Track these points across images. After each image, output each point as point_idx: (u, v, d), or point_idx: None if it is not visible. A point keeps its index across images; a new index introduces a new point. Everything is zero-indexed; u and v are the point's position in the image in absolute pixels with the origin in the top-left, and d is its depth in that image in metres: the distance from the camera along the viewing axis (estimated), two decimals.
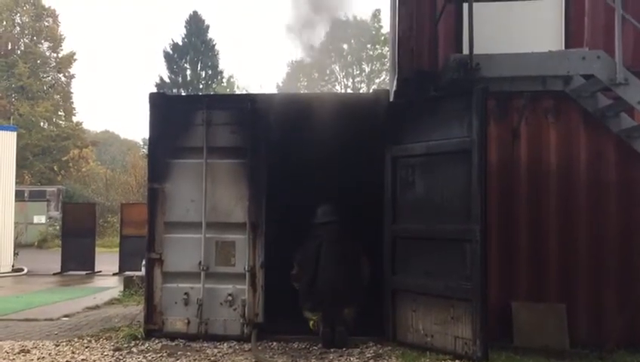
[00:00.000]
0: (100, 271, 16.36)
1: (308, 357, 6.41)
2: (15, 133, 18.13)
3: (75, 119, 42.11)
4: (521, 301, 7.08)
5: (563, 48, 7.38)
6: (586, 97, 7.08)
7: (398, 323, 6.96)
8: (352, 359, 6.30)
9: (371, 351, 6.60)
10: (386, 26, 41.76)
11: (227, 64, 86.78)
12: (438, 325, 6.51)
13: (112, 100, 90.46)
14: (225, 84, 43.39)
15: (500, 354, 6.27)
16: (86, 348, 6.84)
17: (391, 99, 7.74)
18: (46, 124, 39.79)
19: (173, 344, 6.98)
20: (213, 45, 44.17)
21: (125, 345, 6.89)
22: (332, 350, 6.65)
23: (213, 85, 41.80)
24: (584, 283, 7.12)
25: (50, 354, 6.56)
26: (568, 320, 6.93)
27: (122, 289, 11.73)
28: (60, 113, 41.34)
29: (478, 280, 6.13)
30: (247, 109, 7.33)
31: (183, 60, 43.02)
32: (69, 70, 42.00)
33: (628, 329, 6.91)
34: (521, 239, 7.23)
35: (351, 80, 51.36)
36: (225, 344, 6.92)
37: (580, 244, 7.17)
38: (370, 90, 37.07)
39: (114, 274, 15.67)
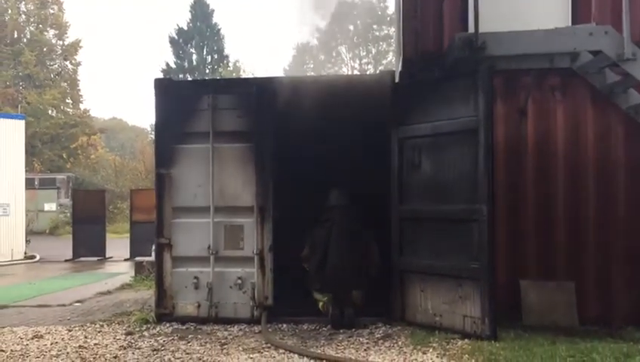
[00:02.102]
0: (112, 257, 16.51)
1: (317, 338, 6.46)
2: (23, 121, 18.22)
3: (82, 106, 42.21)
4: (529, 279, 7.09)
5: (570, 24, 7.29)
6: (594, 74, 7.03)
7: (406, 304, 6.99)
8: (361, 339, 6.34)
9: (380, 332, 6.65)
10: (391, 5, 41.45)
11: (233, 48, 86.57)
12: (446, 304, 6.54)
13: (120, 87, 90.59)
14: (231, 69, 43.28)
15: (509, 333, 6.29)
16: (98, 332, 6.93)
17: (397, 80, 7.69)
18: (54, 112, 39.85)
19: (184, 327, 7.05)
20: (219, 30, 44.01)
21: (137, 329, 6.98)
22: (341, 331, 6.70)
23: (220, 70, 41.68)
24: (593, 260, 7.11)
25: (63, 339, 6.65)
26: (577, 297, 6.94)
27: (133, 274, 11.85)
28: (67, 101, 41.37)
29: (486, 259, 6.14)
30: (253, 93, 7.32)
31: (189, 45, 42.90)
32: (75, 57, 41.98)
33: (637, 306, 6.91)
34: (529, 217, 7.21)
35: (358, 61, 51.16)
36: (235, 326, 7.00)
37: (589, 222, 7.15)
38: (377, 72, 36.86)
39: (125, 260, 15.80)
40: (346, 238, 7.19)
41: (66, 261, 16.17)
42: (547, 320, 6.78)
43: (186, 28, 43.03)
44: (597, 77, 7.02)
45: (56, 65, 42.04)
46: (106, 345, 6.31)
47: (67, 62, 42.00)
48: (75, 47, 41.65)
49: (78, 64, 42.42)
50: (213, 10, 43.96)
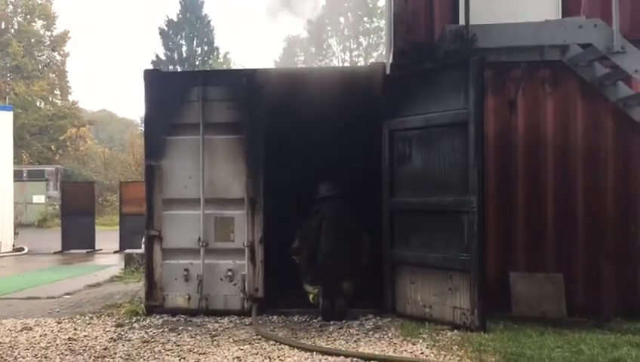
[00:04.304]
0: (101, 249, 16.44)
1: (308, 330, 6.46)
2: (11, 112, 18.09)
3: (71, 98, 42.01)
4: (519, 271, 7.13)
5: (560, 17, 7.31)
6: (584, 66, 7.06)
7: (397, 295, 7.02)
8: (351, 331, 6.36)
9: (371, 323, 6.67)
10: None
11: (223, 40, 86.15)
12: (436, 296, 6.56)
13: (109, 79, 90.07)
14: (221, 60, 43.09)
15: (498, 324, 6.34)
16: (88, 324, 6.90)
17: (387, 72, 7.68)
18: (42, 104, 39.58)
19: (175, 319, 7.04)
20: (209, 21, 43.74)
21: (127, 321, 6.95)
22: (332, 322, 6.71)
23: (210, 61, 41.50)
24: (581, 252, 7.16)
25: (52, 331, 6.62)
26: (566, 289, 6.99)
27: (123, 266, 11.81)
28: (55, 92, 41.12)
29: (476, 250, 6.17)
30: (243, 84, 7.28)
31: (179, 37, 42.59)
32: (64, 48, 41.71)
33: (624, 297, 6.96)
34: (519, 209, 7.24)
35: (348, 54, 51.10)
36: (226, 318, 6.98)
37: (578, 214, 7.19)
38: (368, 64, 36.82)
39: (115, 252, 15.74)
40: (337, 230, 7.20)
41: (55, 253, 16.09)
42: (536, 311, 6.84)
43: (175, 19, 42.71)
44: (586, 70, 7.05)
45: (44, 57, 41.72)
46: (96, 337, 6.29)
47: (55, 54, 41.70)
48: (63, 38, 41.34)
49: (67, 55, 42.21)
50: (202, 2, 43.67)
